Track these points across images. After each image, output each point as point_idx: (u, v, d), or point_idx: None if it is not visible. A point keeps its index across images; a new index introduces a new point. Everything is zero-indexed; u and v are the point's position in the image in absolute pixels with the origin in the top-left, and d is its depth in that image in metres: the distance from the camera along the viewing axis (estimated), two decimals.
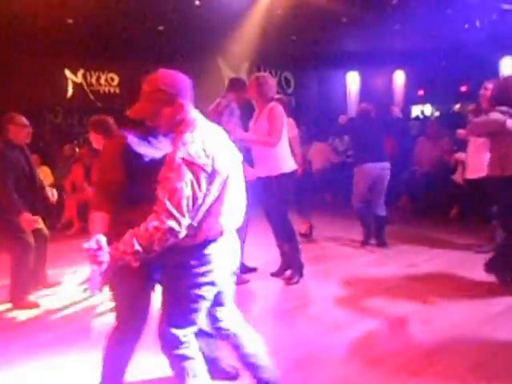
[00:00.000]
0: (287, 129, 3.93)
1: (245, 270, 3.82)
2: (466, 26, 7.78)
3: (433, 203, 5.93)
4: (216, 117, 3.52)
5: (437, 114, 10.61)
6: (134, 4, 6.41)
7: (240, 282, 3.63)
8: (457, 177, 5.81)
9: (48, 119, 8.20)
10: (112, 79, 8.73)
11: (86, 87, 8.55)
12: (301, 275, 3.66)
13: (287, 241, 3.66)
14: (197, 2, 6.77)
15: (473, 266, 3.87)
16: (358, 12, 6.95)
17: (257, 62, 8.26)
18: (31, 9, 6.09)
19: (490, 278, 3.52)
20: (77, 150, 6.67)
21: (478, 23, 7.54)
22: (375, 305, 3.15)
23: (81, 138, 7.05)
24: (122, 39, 7.60)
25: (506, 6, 7.04)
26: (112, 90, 8.67)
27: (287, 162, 3.57)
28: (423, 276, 3.71)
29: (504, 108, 3.00)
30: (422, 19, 7.33)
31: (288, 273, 3.73)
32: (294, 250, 3.64)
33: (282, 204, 3.58)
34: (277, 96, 4.49)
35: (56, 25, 6.85)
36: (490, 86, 3.96)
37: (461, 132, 4.18)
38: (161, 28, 7.65)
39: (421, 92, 10.88)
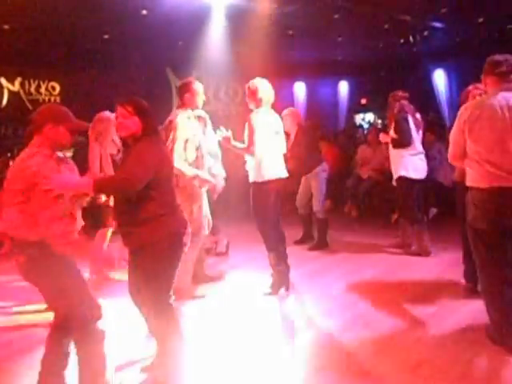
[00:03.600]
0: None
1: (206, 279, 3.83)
2: (402, 40, 8.31)
3: (374, 209, 6.23)
4: (164, 131, 3.48)
5: (379, 121, 11.18)
6: (78, 11, 6.21)
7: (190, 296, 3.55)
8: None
9: None
10: (53, 88, 8.33)
11: (23, 96, 8.12)
12: (286, 288, 3.62)
13: (269, 250, 3.58)
14: (143, 12, 6.68)
15: (411, 269, 4.15)
16: (303, 25, 7.20)
17: (205, 72, 8.28)
18: None
19: (425, 279, 3.79)
20: (10, 162, 6.27)
21: (411, 39, 8.07)
22: (320, 311, 3.27)
23: (15, 149, 6.58)
24: (64, 47, 7.31)
25: (436, 24, 7.62)
26: (53, 99, 8.29)
27: (268, 170, 3.49)
28: (366, 281, 3.90)
29: None
30: (361, 33, 7.75)
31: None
32: (277, 260, 3.57)
33: (264, 212, 3.51)
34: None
35: None
36: None
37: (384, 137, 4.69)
38: (106, 36, 7.46)
39: (363, 101, 11.44)
